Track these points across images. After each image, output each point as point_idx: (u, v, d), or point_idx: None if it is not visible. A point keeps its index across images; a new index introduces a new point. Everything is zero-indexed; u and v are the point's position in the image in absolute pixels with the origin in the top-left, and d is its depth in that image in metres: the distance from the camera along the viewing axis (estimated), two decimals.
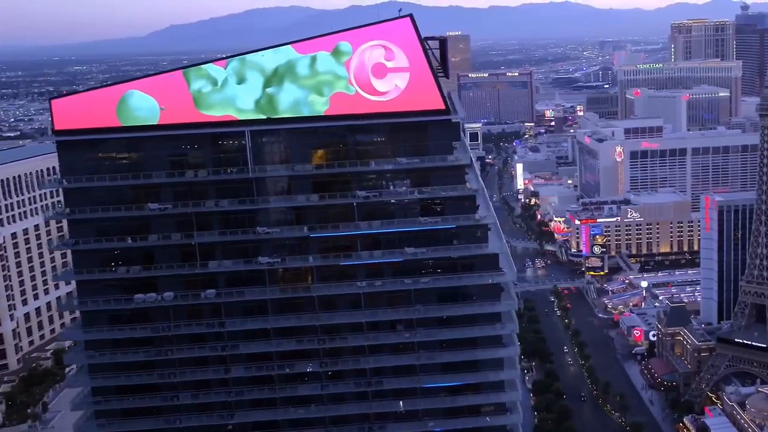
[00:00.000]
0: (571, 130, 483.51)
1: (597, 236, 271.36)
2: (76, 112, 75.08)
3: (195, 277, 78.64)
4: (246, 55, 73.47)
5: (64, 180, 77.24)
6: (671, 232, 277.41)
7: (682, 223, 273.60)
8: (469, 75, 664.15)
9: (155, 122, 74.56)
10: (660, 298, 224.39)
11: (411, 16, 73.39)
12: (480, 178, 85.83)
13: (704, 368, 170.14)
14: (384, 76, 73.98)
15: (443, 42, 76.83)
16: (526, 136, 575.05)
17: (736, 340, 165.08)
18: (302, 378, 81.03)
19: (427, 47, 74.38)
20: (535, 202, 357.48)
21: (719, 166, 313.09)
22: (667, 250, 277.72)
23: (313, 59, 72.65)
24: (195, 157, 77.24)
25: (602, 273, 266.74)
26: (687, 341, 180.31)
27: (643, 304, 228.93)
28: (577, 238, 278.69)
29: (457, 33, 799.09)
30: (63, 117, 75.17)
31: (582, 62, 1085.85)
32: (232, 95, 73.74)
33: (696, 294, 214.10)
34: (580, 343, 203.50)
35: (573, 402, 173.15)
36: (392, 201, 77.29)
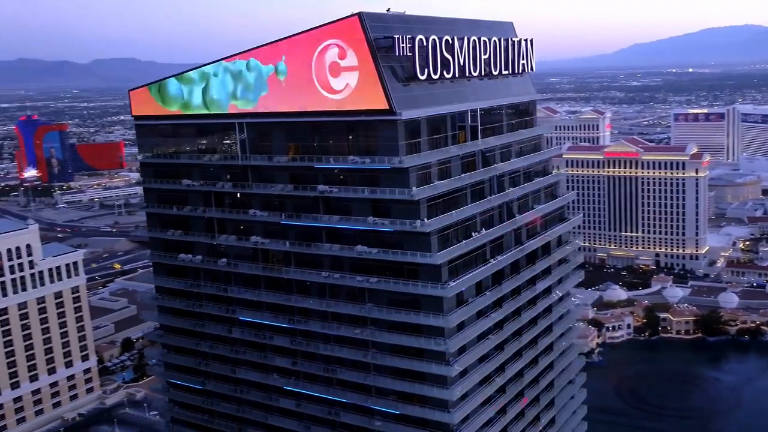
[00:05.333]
0: None
1: None
2: (143, 101, 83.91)
3: (212, 246, 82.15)
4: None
5: (140, 155, 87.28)
6: None
7: None
8: None
9: (180, 111, 79.77)
10: None
11: (360, 14, 65.60)
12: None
13: None
14: (338, 75, 67.74)
15: (394, 40, 66.06)
16: None
17: None
18: (281, 351, 78.98)
19: (375, 47, 65.74)
20: None
21: None
22: None
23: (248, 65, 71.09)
24: (211, 144, 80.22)
25: None
26: None
27: None
28: None
29: None
30: (137, 105, 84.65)
31: None
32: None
33: None
34: None
35: None
36: (346, 197, 70.42)
